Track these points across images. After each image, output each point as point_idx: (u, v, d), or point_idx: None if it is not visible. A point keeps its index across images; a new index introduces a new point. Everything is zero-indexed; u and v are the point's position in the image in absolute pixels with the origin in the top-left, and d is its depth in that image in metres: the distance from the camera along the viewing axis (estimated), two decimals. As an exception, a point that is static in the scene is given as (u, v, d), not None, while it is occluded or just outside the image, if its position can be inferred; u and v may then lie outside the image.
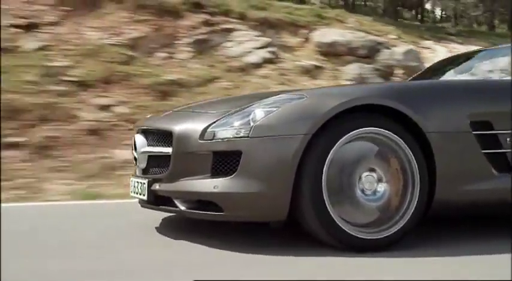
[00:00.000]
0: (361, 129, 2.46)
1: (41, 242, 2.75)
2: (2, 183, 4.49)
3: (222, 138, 2.49)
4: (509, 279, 1.99)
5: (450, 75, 3.74)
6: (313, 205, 2.38)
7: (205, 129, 2.54)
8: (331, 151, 2.41)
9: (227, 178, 2.45)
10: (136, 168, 3.06)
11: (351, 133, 2.45)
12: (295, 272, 2.19)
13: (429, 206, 2.58)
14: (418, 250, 2.51)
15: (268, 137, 2.41)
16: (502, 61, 3.61)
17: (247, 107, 2.55)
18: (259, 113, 2.47)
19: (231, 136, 2.47)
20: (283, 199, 2.39)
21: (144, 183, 2.80)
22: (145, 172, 2.94)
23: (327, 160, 2.40)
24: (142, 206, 3.01)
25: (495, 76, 3.37)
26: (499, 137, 2.71)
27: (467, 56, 4.06)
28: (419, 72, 4.25)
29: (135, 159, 3.00)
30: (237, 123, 2.49)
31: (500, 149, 2.71)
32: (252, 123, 2.44)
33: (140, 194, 2.85)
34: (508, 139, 2.73)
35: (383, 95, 2.55)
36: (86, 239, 2.81)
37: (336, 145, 2.42)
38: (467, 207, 2.70)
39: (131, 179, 3.04)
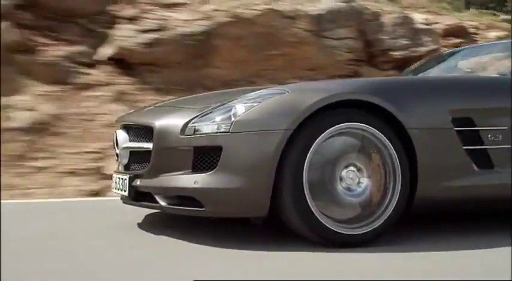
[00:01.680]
0: (342, 124, 2.45)
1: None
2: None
3: (203, 134, 2.47)
4: (510, 279, 1.98)
5: (437, 73, 3.74)
6: (294, 201, 2.37)
7: (186, 125, 2.52)
8: (313, 146, 2.40)
9: (207, 173, 2.43)
10: (119, 164, 3.03)
11: (332, 128, 2.44)
12: (277, 267, 2.17)
13: (411, 202, 2.58)
14: (407, 245, 2.51)
15: (249, 133, 2.40)
16: (487, 58, 3.64)
17: (229, 102, 2.54)
18: (240, 108, 2.45)
19: (212, 131, 2.45)
20: (264, 194, 2.37)
21: (125, 179, 2.78)
22: (127, 167, 2.91)
23: (308, 155, 2.39)
24: (123, 202, 2.98)
25: (478, 73, 3.37)
26: (480, 133, 2.72)
27: (453, 54, 4.07)
28: (409, 69, 4.25)
29: (117, 155, 2.97)
30: (218, 119, 2.47)
31: (482, 145, 2.71)
32: (232, 119, 2.43)
33: (122, 190, 2.83)
34: (489, 136, 2.74)
35: (365, 90, 2.54)
36: (67, 238, 2.78)
37: (317, 140, 2.41)
38: (448, 203, 2.70)
39: (113, 175, 3.02)
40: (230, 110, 2.47)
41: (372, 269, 2.16)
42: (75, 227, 3.00)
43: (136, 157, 2.83)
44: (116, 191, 2.94)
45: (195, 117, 2.53)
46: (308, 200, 2.38)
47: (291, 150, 2.37)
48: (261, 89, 2.66)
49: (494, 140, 2.74)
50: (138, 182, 2.71)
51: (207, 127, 2.47)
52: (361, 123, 2.48)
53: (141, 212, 3.17)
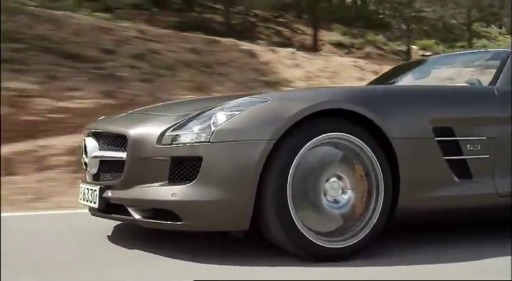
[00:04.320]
0: (327, 134, 2.38)
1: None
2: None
3: (181, 143, 2.35)
4: (510, 279, 1.96)
5: (408, 81, 3.74)
6: (277, 214, 2.28)
7: (162, 134, 2.39)
8: (296, 157, 2.31)
9: (186, 185, 2.31)
10: (86, 174, 2.87)
11: (316, 138, 2.36)
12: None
13: (392, 213, 2.54)
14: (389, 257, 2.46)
15: (231, 142, 2.29)
16: (456, 68, 3.66)
17: (208, 110, 2.42)
18: (220, 116, 2.35)
19: (191, 141, 2.33)
20: (246, 207, 2.27)
21: (95, 190, 2.62)
22: (96, 178, 2.75)
23: (292, 167, 2.30)
24: (92, 214, 2.82)
25: (454, 82, 3.38)
26: (460, 143, 2.70)
27: (424, 62, 4.09)
28: (376, 77, 4.24)
29: (85, 164, 2.81)
30: (197, 127, 2.35)
31: (461, 155, 2.70)
32: (213, 128, 2.32)
33: (91, 202, 2.67)
34: (468, 146, 2.72)
35: (348, 99, 2.47)
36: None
37: (301, 150, 2.33)
38: (429, 214, 2.67)
39: (80, 185, 2.85)
40: (210, 118, 2.36)
41: None
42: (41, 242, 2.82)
43: (107, 166, 2.67)
44: (84, 202, 2.77)
45: (173, 126, 2.41)
46: (291, 213, 2.29)
47: (274, 161, 2.28)
48: (242, 96, 2.55)
49: (473, 150, 2.73)
50: (109, 193, 2.56)
51: (186, 136, 2.35)
52: (345, 133, 2.42)
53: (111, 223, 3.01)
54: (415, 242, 2.82)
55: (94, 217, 2.80)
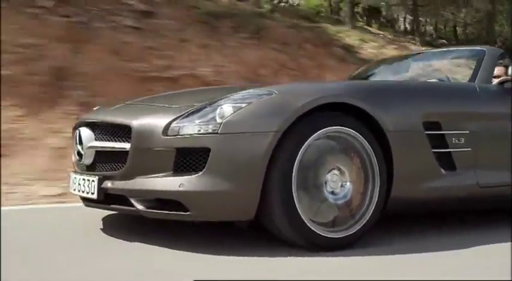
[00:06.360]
0: (330, 127, 2.45)
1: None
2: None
3: (188, 135, 2.36)
4: (510, 279, 2.04)
5: (388, 76, 3.87)
6: (282, 204, 2.33)
7: (168, 125, 2.40)
8: (301, 149, 2.38)
9: (194, 175, 2.33)
10: (77, 164, 2.83)
11: (320, 131, 2.43)
12: (262, 273, 2.12)
13: (385, 204, 2.65)
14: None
15: (238, 134, 2.33)
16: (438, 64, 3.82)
17: (214, 102, 2.45)
18: (227, 108, 2.37)
19: (198, 132, 2.35)
20: (253, 197, 2.32)
21: (92, 180, 2.60)
22: (90, 168, 2.72)
23: (297, 158, 2.36)
24: (87, 205, 2.79)
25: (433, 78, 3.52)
26: (446, 137, 2.84)
27: (405, 57, 4.23)
28: (356, 71, 4.34)
29: (79, 154, 2.77)
30: (203, 119, 2.37)
31: (447, 148, 2.84)
32: (219, 120, 2.34)
33: (88, 193, 2.64)
34: (453, 139, 2.87)
35: (350, 94, 2.56)
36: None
37: (306, 142, 2.39)
38: (420, 205, 2.79)
39: (72, 175, 2.82)
40: (216, 110, 2.38)
41: (363, 272, 2.19)
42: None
43: (104, 157, 2.65)
44: (78, 193, 2.74)
45: (178, 117, 2.41)
46: (296, 204, 2.35)
47: (280, 152, 2.33)
48: (246, 88, 2.58)
49: (457, 143, 2.87)
50: (109, 184, 2.54)
51: (193, 128, 2.36)
52: (345, 127, 2.49)
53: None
54: (401, 230, 2.96)
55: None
